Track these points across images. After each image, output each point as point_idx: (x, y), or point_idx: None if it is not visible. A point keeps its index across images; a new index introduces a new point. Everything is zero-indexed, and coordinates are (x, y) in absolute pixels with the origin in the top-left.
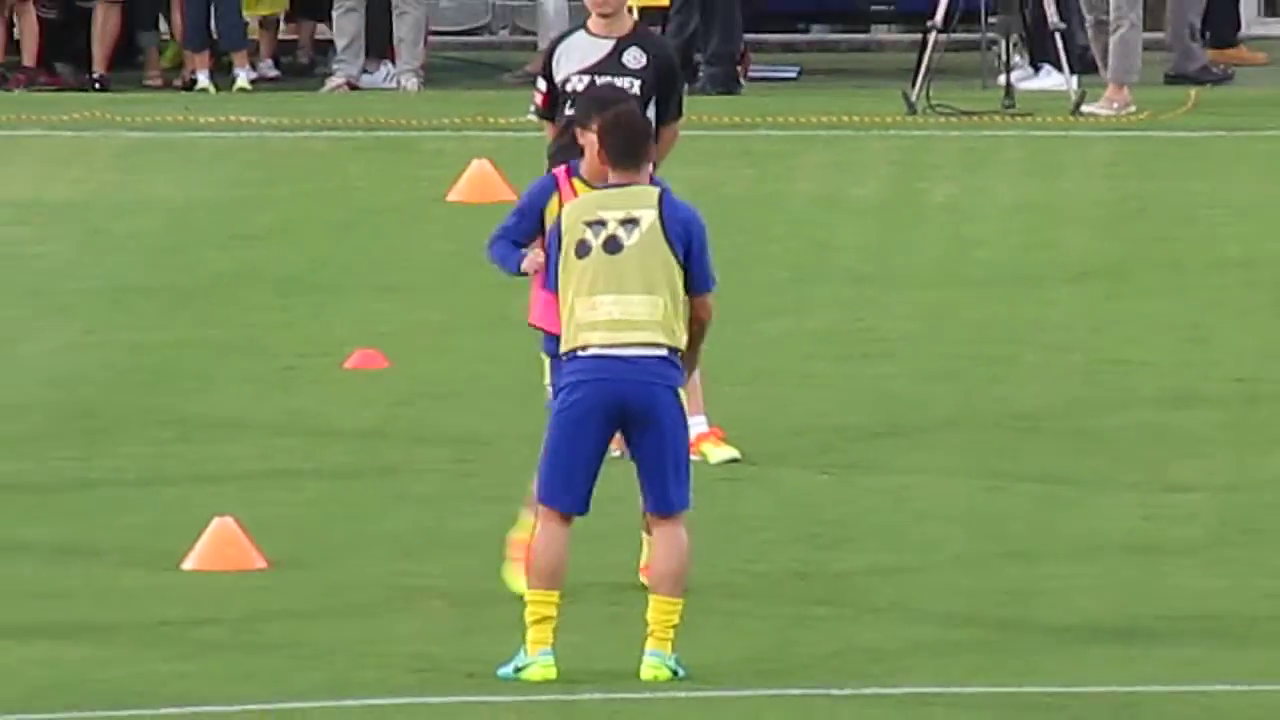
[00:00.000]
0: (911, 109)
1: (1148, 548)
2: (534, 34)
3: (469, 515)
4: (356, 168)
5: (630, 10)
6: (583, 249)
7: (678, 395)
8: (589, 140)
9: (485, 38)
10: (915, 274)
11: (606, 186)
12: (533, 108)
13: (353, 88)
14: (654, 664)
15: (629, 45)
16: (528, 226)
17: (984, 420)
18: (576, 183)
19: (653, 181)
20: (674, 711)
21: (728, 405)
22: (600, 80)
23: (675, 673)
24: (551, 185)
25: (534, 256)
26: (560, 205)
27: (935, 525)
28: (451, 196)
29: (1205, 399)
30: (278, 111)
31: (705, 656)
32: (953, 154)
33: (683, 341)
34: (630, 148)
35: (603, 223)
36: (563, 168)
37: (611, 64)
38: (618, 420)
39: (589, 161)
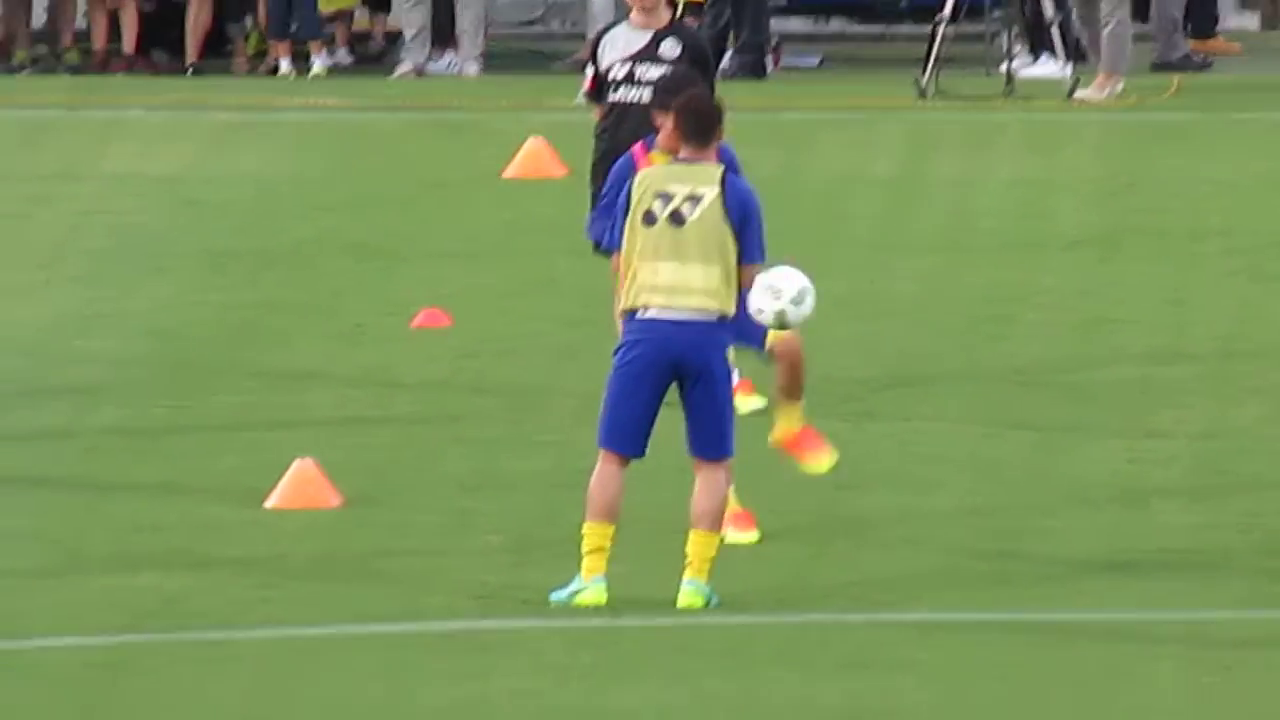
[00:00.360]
0: (922, 94)
1: (1133, 489)
2: (583, 26)
3: (523, 458)
4: (422, 146)
5: (675, 6)
6: (649, 218)
7: (726, 355)
8: (665, 121)
9: (539, 29)
10: (924, 242)
11: (678, 160)
12: (581, 92)
13: (419, 74)
14: (691, 592)
15: (666, 36)
16: (622, 198)
17: (986, 374)
18: (654, 155)
19: (721, 152)
20: (708, 635)
21: (756, 360)
22: (639, 68)
23: (709, 601)
24: (631, 161)
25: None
26: None
27: (941, 468)
28: (507, 172)
29: (1185, 355)
30: (351, 95)
31: (735, 586)
32: (958, 134)
33: (732, 307)
34: (702, 129)
35: (670, 196)
36: (639, 144)
37: (649, 53)
38: (672, 375)
39: (664, 138)
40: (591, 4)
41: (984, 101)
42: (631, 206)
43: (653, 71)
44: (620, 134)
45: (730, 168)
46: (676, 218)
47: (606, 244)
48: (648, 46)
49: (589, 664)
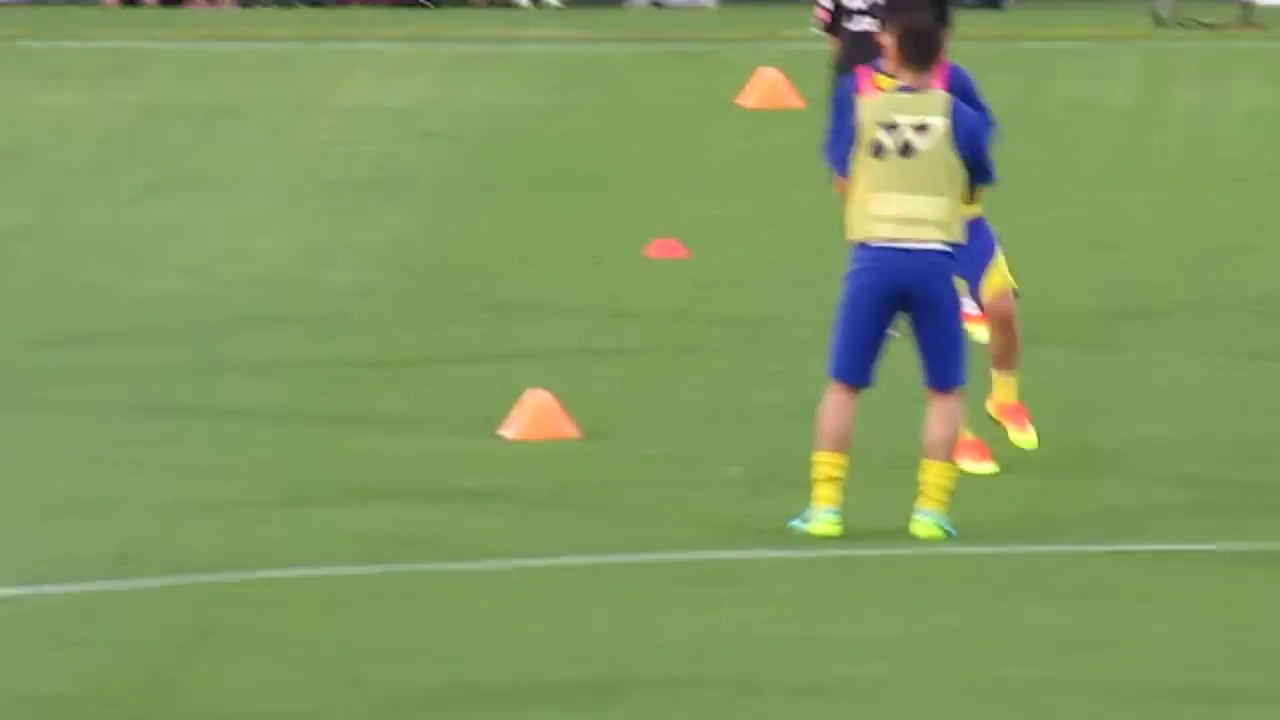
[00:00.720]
0: (1160, 22)
1: None
2: None
3: (758, 389)
4: (657, 77)
5: None
6: (878, 149)
7: (954, 284)
8: (886, 41)
9: None
10: (1161, 172)
11: (901, 89)
12: (815, 22)
13: (655, 4)
14: (927, 523)
15: None
16: (850, 121)
17: (1223, 304)
18: (879, 78)
19: (953, 74)
20: (943, 565)
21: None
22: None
23: (946, 532)
24: (854, 83)
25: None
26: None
27: (1178, 399)
28: (742, 101)
29: None
30: (587, 26)
31: (971, 517)
32: (1196, 63)
33: (961, 236)
34: (921, 53)
35: (896, 126)
36: (864, 67)
37: None
38: (899, 304)
39: (887, 59)
40: None
41: (1223, 30)
42: (857, 136)
43: None
44: (857, 64)
45: (965, 93)
46: (906, 149)
47: (839, 171)
48: None
49: (824, 595)
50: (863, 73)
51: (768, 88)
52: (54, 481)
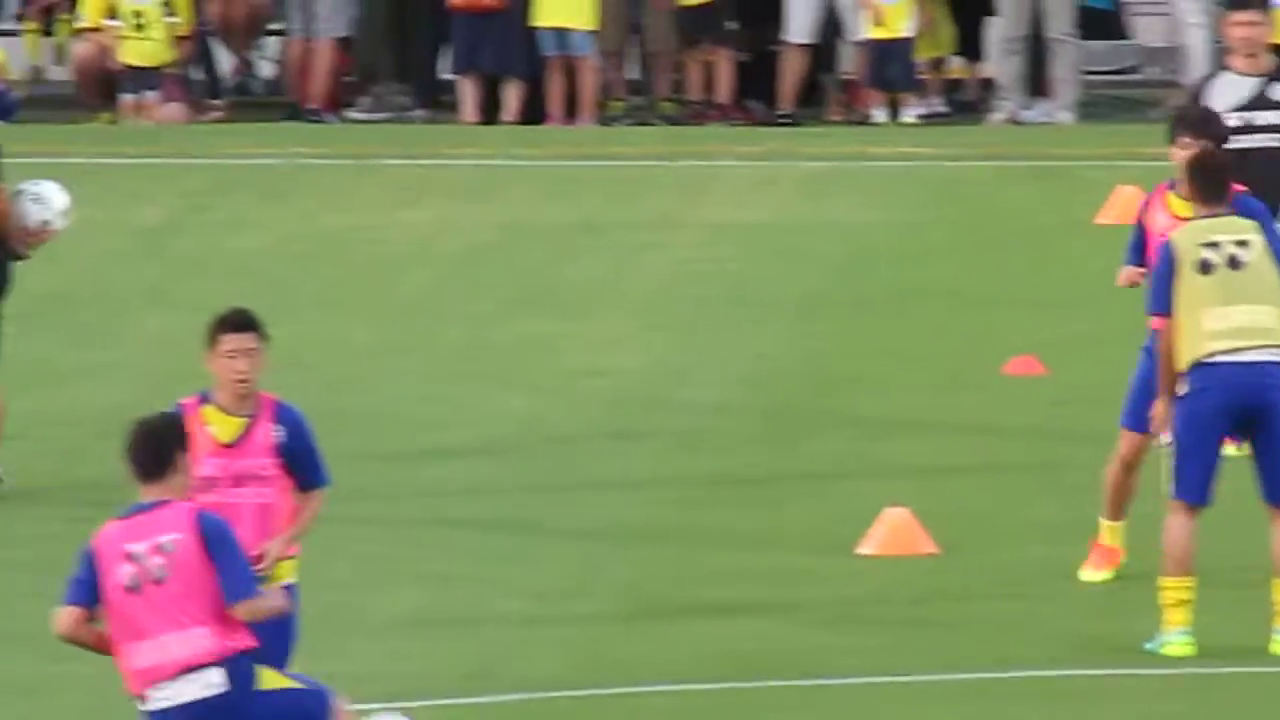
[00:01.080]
0: None
1: None
2: (1179, 73)
3: None
4: (1016, 193)
5: (1278, 48)
6: (1205, 267)
7: None
8: (1178, 155)
9: (1134, 76)
10: None
11: (1203, 216)
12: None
13: (1015, 122)
14: None
15: (1274, 80)
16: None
17: None
18: (1170, 196)
19: (1245, 203)
20: None
21: None
22: (1253, 115)
23: None
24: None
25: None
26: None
27: None
28: (1100, 219)
29: None
30: (944, 143)
31: None
32: None
33: None
34: (1211, 188)
35: (1217, 244)
36: (1157, 188)
37: (1259, 100)
38: (1241, 421)
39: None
40: (1189, 49)
41: None
42: (1176, 265)
43: (1268, 116)
44: (1242, 180)
45: (1260, 217)
46: (1234, 262)
47: (1149, 309)
48: (1256, 93)
49: (1181, 712)
50: (1156, 192)
51: (1125, 205)
52: (407, 597)
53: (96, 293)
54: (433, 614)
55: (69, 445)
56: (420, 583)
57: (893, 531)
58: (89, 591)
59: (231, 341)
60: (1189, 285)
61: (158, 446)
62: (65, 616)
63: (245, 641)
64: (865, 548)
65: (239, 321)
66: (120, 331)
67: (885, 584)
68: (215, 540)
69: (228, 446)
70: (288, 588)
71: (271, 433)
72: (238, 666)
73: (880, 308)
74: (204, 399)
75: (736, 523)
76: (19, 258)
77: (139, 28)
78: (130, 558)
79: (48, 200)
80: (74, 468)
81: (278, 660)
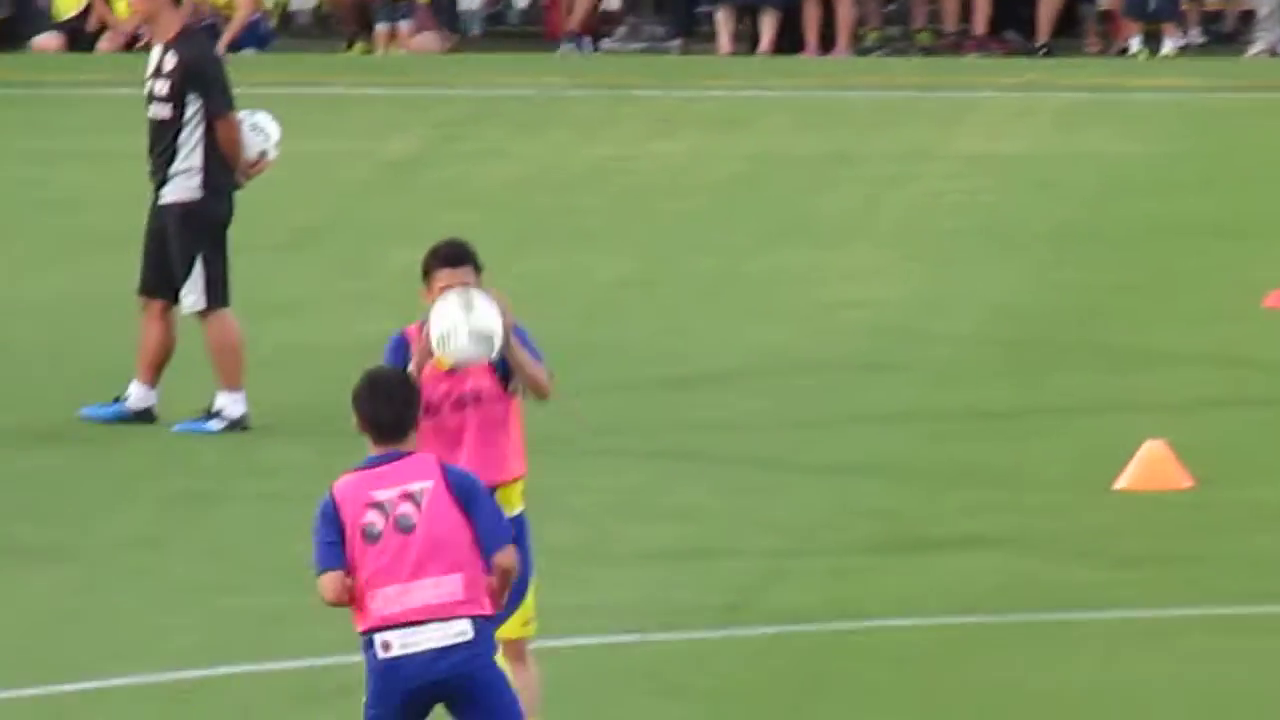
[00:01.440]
0: None
1: None
2: None
3: None
4: (1273, 126)
5: None
6: None
7: None
8: None
9: None
10: None
11: None
12: None
13: (1273, 53)
14: None
15: None
16: None
17: None
18: None
19: None
20: None
21: None
22: None
23: None
24: None
25: None
26: None
27: None
28: None
29: None
30: (1203, 75)
31: None
32: None
33: None
34: None
35: None
36: None
37: None
38: None
39: None
40: None
41: None
42: None
43: None
44: None
45: None
46: None
47: None
48: None
49: None
50: None
51: None
52: (658, 530)
53: (348, 225)
54: (684, 547)
55: (319, 376)
56: (671, 516)
57: (1148, 465)
58: (341, 553)
59: (445, 277)
60: None
61: (400, 409)
62: (330, 582)
63: (489, 608)
64: (1120, 482)
65: (452, 255)
66: (371, 263)
67: (1140, 518)
68: (467, 490)
69: (448, 372)
70: (516, 518)
71: None
72: (483, 626)
73: (1135, 241)
74: (424, 326)
75: (989, 457)
76: (237, 187)
77: None
78: (376, 505)
79: (265, 129)
80: (324, 399)
81: (514, 592)
